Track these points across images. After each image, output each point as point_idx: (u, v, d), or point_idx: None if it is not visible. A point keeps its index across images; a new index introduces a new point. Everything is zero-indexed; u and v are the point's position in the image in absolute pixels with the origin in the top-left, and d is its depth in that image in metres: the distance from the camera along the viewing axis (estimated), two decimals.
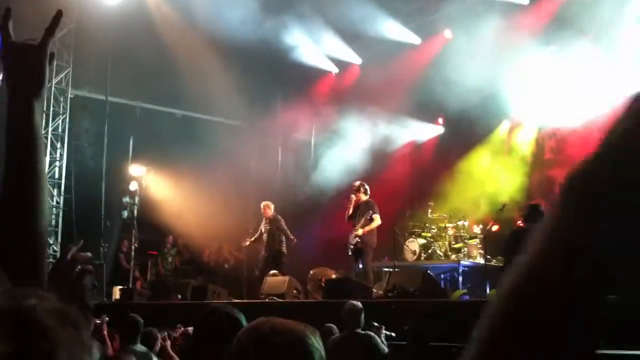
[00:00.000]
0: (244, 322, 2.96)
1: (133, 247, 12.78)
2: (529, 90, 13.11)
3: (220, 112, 15.78)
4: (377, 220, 10.88)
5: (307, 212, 13.92)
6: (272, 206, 11.87)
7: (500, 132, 14.16)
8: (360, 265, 10.81)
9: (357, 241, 10.71)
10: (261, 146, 15.51)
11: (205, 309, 3.33)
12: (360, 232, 10.72)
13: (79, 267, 1.48)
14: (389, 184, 14.30)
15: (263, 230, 11.76)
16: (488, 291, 9.78)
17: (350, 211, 11.00)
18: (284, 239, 11.74)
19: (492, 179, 13.61)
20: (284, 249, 11.80)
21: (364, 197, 11.07)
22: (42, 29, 1.58)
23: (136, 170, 13.79)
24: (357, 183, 11.31)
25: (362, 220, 10.80)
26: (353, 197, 11.06)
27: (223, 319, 2.96)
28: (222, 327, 2.91)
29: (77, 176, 14.17)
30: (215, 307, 3.28)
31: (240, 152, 14.48)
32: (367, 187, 11.21)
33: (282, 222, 11.76)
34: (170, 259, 14.22)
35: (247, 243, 12.11)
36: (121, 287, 12.20)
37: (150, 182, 14.36)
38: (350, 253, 10.95)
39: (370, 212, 10.82)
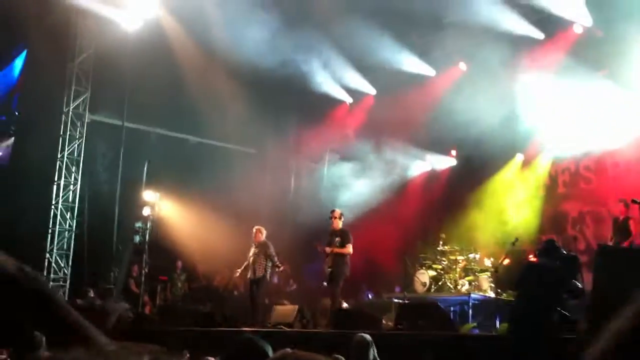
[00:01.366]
0: (270, 353, 2.98)
1: (143, 272, 12.79)
2: (543, 124, 13.13)
3: (235, 139, 15.88)
4: (349, 250, 10.84)
5: (318, 240, 13.92)
6: (264, 231, 11.76)
7: (514, 165, 14.13)
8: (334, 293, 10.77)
9: (329, 269, 10.71)
10: (274, 173, 15.58)
11: (233, 338, 3.37)
12: (328, 250, 10.73)
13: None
14: (401, 214, 14.30)
15: (250, 255, 11.68)
16: (498, 325, 9.69)
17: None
18: (270, 265, 11.62)
19: (505, 212, 13.57)
20: (268, 276, 11.68)
21: (340, 225, 11.11)
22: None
23: (149, 195, 13.85)
24: (338, 211, 11.34)
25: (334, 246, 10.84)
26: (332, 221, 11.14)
27: (251, 350, 2.99)
28: (250, 357, 2.95)
29: (90, 200, 14.27)
30: (244, 337, 3.32)
31: (253, 179, 14.55)
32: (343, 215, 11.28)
33: (271, 249, 11.60)
34: (179, 284, 14.21)
35: (238, 273, 11.98)
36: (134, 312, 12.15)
37: (163, 208, 14.42)
38: (325, 283, 10.92)
39: (339, 240, 10.84)
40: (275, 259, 11.53)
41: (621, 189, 11.38)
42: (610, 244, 10.48)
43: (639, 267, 7.03)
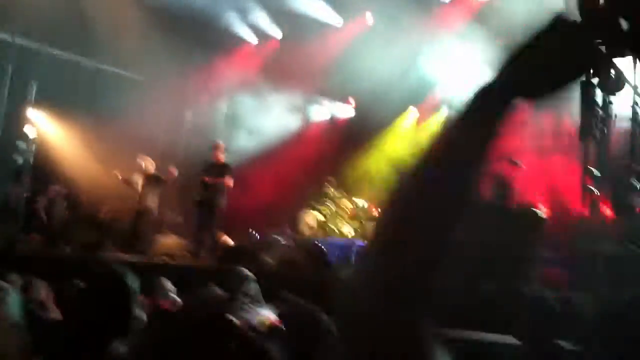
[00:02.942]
0: (130, 283, 3.00)
1: (24, 195, 12.30)
2: (442, 82, 13.50)
3: (131, 67, 15.33)
4: (229, 182, 10.84)
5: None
6: (151, 162, 11.68)
7: (408, 119, 14.51)
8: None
9: (209, 193, 10.64)
10: (169, 105, 15.19)
11: (95, 266, 3.34)
12: (206, 179, 10.72)
13: None
14: (296, 157, 14.43)
15: (137, 185, 11.49)
16: None
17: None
18: (156, 198, 11.56)
19: (396, 164, 13.96)
20: (154, 207, 11.63)
21: (222, 158, 11.10)
22: None
23: (35, 116, 13.23)
24: (221, 144, 11.32)
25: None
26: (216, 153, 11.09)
27: (110, 280, 3.00)
28: (109, 287, 2.96)
29: None
30: (105, 268, 3.31)
31: (147, 110, 14.13)
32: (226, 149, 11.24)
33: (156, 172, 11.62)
34: (60, 210, 13.71)
35: (120, 176, 11.82)
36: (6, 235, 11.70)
37: (49, 131, 13.85)
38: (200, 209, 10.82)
39: (228, 173, 10.83)
40: (161, 176, 11.41)
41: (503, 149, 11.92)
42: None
43: (507, 224, 7.48)
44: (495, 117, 0.98)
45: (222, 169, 10.84)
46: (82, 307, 3.02)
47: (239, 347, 1.53)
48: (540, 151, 12.11)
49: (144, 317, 3.69)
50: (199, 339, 1.53)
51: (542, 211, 10.08)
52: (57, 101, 13.35)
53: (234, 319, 1.61)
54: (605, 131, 10.16)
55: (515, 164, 10.28)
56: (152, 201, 11.51)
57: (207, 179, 10.77)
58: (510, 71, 1.00)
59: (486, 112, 0.99)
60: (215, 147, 11.12)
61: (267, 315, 6.19)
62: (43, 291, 6.29)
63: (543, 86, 0.99)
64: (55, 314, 6.18)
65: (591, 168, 10.08)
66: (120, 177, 11.75)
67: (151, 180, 11.50)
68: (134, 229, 11.24)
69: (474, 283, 6.60)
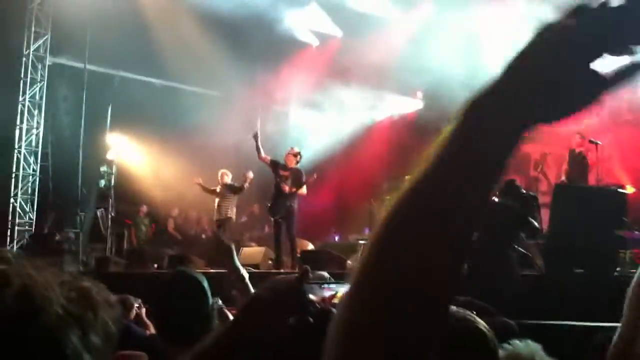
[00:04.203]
0: (206, 285, 3.05)
1: (110, 215, 12.75)
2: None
3: (200, 82, 15.68)
4: (304, 190, 10.77)
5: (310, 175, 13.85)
6: (229, 174, 11.84)
7: None
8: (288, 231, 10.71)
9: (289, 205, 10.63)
10: (240, 117, 15.45)
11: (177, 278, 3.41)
12: (286, 189, 10.62)
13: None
14: (366, 157, 14.40)
15: (216, 194, 11.77)
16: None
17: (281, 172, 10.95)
18: (234, 208, 11.75)
19: None
20: (233, 217, 11.82)
21: (294, 163, 10.97)
22: None
23: (114, 139, 13.68)
24: (296, 149, 11.21)
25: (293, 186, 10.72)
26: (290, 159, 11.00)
27: (187, 282, 3.05)
28: (187, 290, 3.02)
29: (54, 144, 14.08)
30: (179, 270, 3.35)
31: (219, 123, 14.43)
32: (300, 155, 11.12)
33: (234, 183, 11.80)
34: (143, 228, 14.16)
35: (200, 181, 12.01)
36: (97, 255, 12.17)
37: (128, 152, 14.28)
38: (276, 217, 10.79)
39: (293, 178, 10.73)
40: (237, 184, 11.55)
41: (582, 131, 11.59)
42: (563, 177, 10.77)
43: (592, 206, 7.26)
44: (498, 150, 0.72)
45: (295, 175, 10.78)
46: (163, 315, 3.09)
47: (313, 318, 1.54)
48: (618, 126, 11.70)
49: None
50: (274, 315, 1.54)
51: (629, 189, 9.74)
52: (133, 122, 13.75)
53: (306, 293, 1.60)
54: None
55: (594, 142, 9.97)
56: (231, 211, 11.71)
57: (285, 188, 10.76)
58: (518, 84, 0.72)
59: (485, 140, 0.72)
60: (289, 151, 11.15)
61: (344, 291, 6.17)
62: (137, 308, 6.51)
63: (562, 107, 0.72)
64: (151, 328, 6.37)
65: None
66: (200, 183, 11.94)
67: (229, 189, 11.70)
68: (216, 240, 11.44)
69: (566, 271, 6.44)
